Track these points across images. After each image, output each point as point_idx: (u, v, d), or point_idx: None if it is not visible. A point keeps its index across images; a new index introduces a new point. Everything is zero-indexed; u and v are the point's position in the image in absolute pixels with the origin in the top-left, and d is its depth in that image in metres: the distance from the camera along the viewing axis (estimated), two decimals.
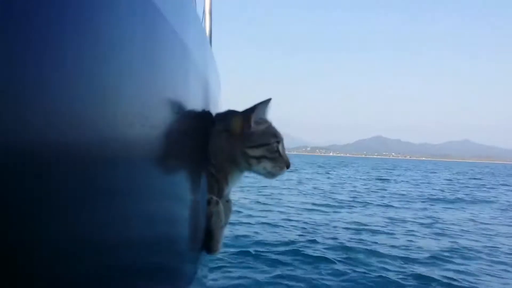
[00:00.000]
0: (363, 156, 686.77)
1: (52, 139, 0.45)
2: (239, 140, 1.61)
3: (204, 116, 1.48)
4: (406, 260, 6.58)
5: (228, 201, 1.74)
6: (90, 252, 0.55)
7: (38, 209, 0.43)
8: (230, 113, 1.67)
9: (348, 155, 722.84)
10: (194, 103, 1.26)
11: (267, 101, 1.64)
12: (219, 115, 1.73)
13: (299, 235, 8.10)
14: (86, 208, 0.54)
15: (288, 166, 1.67)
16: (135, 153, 0.73)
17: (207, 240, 1.55)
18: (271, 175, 1.67)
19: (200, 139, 1.43)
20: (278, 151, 1.64)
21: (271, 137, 1.63)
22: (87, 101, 0.53)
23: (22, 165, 0.40)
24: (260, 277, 5.39)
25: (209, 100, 1.63)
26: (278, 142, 1.64)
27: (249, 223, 8.95)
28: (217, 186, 1.63)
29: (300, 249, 6.89)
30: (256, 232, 8.05)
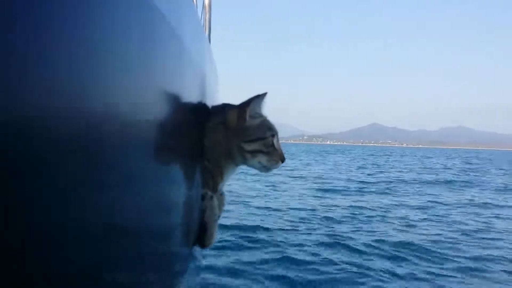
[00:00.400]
0: (360, 144, 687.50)
1: (45, 134, 0.44)
2: (235, 134, 1.61)
3: (199, 110, 1.46)
4: None
5: (221, 194, 1.74)
6: (81, 245, 0.55)
7: (34, 204, 0.43)
8: (226, 107, 1.66)
9: (345, 143, 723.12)
10: (190, 97, 1.24)
11: (263, 95, 1.64)
12: (215, 108, 1.71)
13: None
14: (80, 202, 0.54)
15: (283, 160, 1.67)
16: (128, 147, 0.72)
17: (200, 234, 1.55)
18: (266, 169, 1.67)
19: (195, 133, 1.42)
20: (273, 145, 1.64)
21: (267, 130, 1.63)
22: (79, 96, 0.52)
23: (17, 161, 0.40)
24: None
25: (205, 94, 1.61)
26: (273, 136, 1.64)
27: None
28: (212, 181, 1.63)
29: None
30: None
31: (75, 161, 0.51)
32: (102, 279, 0.63)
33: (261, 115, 1.66)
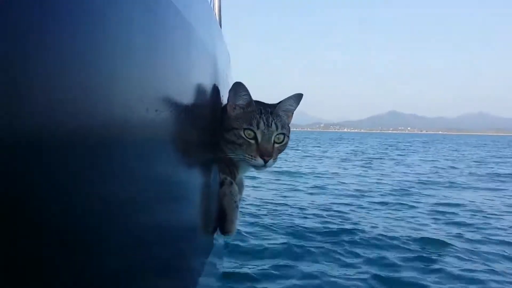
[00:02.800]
0: (378, 131, 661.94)
1: (54, 125, 0.43)
2: (222, 125, 1.58)
3: (212, 98, 1.43)
4: None
5: (240, 177, 1.70)
6: (106, 235, 0.56)
7: (49, 197, 0.42)
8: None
9: (362, 130, 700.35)
10: (201, 83, 1.21)
11: (238, 86, 1.56)
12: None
13: None
14: (97, 192, 0.53)
15: (262, 156, 1.54)
16: (139, 136, 0.70)
17: (221, 221, 1.52)
18: (248, 164, 1.58)
19: (210, 121, 1.40)
20: (247, 138, 1.53)
21: (244, 122, 1.54)
22: (87, 85, 0.50)
23: (27, 157, 0.39)
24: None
25: (217, 79, 1.57)
26: (250, 130, 1.54)
27: None
28: (228, 171, 1.60)
29: None
30: None
31: (91, 149, 0.50)
32: (125, 267, 0.64)
33: (252, 107, 1.57)
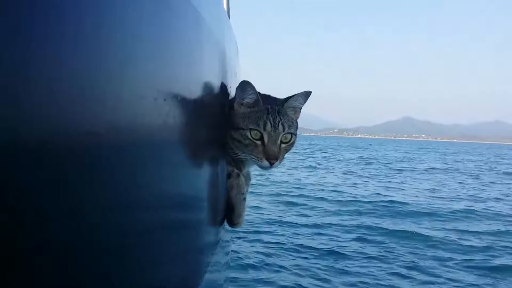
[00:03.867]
0: (392, 137, 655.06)
1: (55, 116, 0.43)
2: (230, 121, 1.55)
3: (220, 87, 1.40)
4: None
5: (247, 170, 1.69)
6: (113, 233, 0.56)
7: (55, 194, 0.42)
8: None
9: (376, 136, 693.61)
10: (210, 73, 1.21)
11: (246, 84, 1.50)
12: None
13: None
14: (105, 188, 0.53)
15: (268, 159, 1.51)
16: (148, 127, 0.70)
17: (228, 213, 1.51)
18: (252, 162, 1.56)
19: (218, 111, 1.39)
20: (253, 139, 1.51)
21: (251, 123, 1.50)
22: (95, 74, 0.50)
23: (33, 152, 0.39)
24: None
25: (226, 69, 1.55)
26: (256, 130, 1.50)
27: None
28: (235, 164, 1.58)
29: None
30: None
31: (98, 145, 0.50)
32: (132, 260, 0.63)
33: (259, 106, 1.52)
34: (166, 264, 0.79)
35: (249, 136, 1.49)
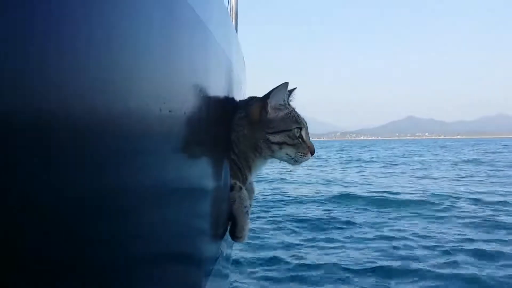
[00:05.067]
0: (396, 138, 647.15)
1: (65, 123, 0.43)
2: (260, 127, 1.57)
3: (226, 100, 1.43)
4: None
5: (250, 183, 1.69)
6: (113, 238, 0.55)
7: (56, 199, 0.42)
8: (250, 100, 1.65)
9: (379, 138, 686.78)
10: (216, 86, 1.21)
11: (283, 85, 1.57)
12: (242, 102, 1.69)
13: None
14: (105, 194, 0.52)
15: (312, 153, 1.62)
16: (152, 137, 0.69)
17: (231, 227, 1.51)
18: (294, 161, 1.61)
19: (222, 123, 1.40)
20: (300, 137, 1.59)
21: (292, 123, 1.58)
22: (102, 83, 0.50)
23: (35, 155, 0.39)
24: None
25: (232, 83, 1.56)
26: (300, 128, 1.59)
27: None
28: (240, 174, 1.58)
29: None
30: None
31: (94, 151, 0.49)
32: (133, 271, 0.62)
33: (286, 107, 1.61)
34: (165, 276, 0.78)
35: (296, 135, 1.56)
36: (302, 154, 1.58)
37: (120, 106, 0.55)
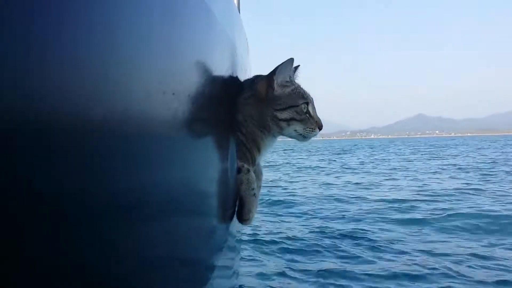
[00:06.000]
0: (406, 136, 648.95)
1: (65, 107, 0.42)
2: (267, 104, 1.56)
3: (230, 82, 1.42)
4: None
5: (258, 164, 1.68)
6: (121, 223, 0.55)
7: (64, 185, 0.42)
8: (256, 78, 1.63)
9: (389, 136, 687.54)
10: (220, 68, 1.19)
11: (289, 61, 1.56)
12: (247, 82, 1.66)
13: None
14: (111, 178, 0.52)
15: (320, 128, 1.62)
16: (157, 120, 0.69)
17: (238, 209, 1.50)
18: (302, 137, 1.61)
19: (227, 105, 1.39)
20: (307, 112, 1.59)
21: (299, 98, 1.58)
22: (106, 68, 0.50)
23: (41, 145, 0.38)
24: None
25: (235, 64, 1.55)
26: (306, 103, 1.59)
27: None
28: (249, 154, 1.57)
29: None
30: None
31: (100, 136, 0.49)
32: (140, 255, 0.62)
33: (292, 83, 1.61)
34: (174, 259, 0.79)
35: (304, 110, 1.57)
36: (311, 129, 1.58)
37: (123, 90, 0.55)
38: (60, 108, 0.41)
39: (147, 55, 0.63)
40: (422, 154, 27.45)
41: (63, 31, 0.42)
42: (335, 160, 23.11)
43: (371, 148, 46.66)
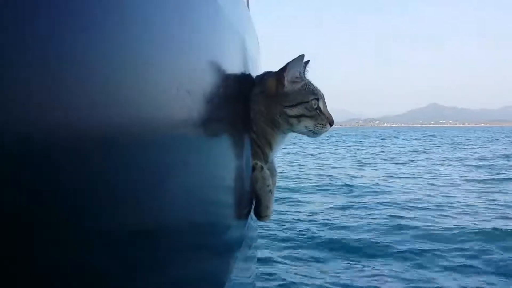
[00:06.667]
0: (419, 125, 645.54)
1: (79, 107, 0.42)
2: (276, 101, 1.55)
3: (242, 79, 1.41)
4: None
5: (271, 161, 1.67)
6: (137, 226, 0.54)
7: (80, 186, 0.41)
8: (265, 75, 1.62)
9: (403, 125, 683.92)
10: (231, 65, 1.19)
11: (300, 57, 1.56)
12: (256, 79, 1.66)
13: None
14: (128, 176, 0.52)
15: (331, 124, 1.60)
16: (172, 119, 0.68)
17: (256, 207, 1.52)
18: (313, 133, 1.60)
19: (241, 102, 1.38)
20: (318, 108, 1.57)
21: (309, 94, 1.57)
22: (117, 67, 0.49)
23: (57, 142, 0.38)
24: None
25: (247, 60, 1.54)
26: (317, 99, 1.57)
27: None
28: (261, 152, 1.57)
29: None
30: None
31: (113, 134, 0.48)
32: (156, 256, 0.61)
33: (303, 79, 1.59)
34: (192, 259, 0.78)
35: (314, 106, 1.55)
36: (321, 125, 1.57)
37: (137, 89, 0.54)
38: (74, 106, 0.41)
39: (159, 53, 0.63)
40: None
41: (79, 31, 0.41)
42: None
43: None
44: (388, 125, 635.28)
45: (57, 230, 0.37)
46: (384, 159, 19.71)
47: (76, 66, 0.41)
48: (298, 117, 1.56)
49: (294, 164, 16.90)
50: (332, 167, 16.29)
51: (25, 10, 0.34)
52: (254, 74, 1.69)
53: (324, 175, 13.43)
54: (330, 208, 8.58)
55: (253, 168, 1.49)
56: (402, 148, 28.05)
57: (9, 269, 0.32)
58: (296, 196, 9.81)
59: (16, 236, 0.32)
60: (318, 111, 1.58)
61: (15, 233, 0.32)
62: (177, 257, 0.69)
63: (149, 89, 0.58)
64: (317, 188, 10.87)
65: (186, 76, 0.74)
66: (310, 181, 12.13)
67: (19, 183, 0.33)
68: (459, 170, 15.07)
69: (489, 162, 17.38)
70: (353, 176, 13.01)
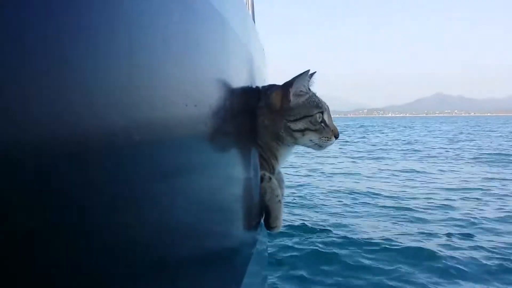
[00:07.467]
0: (424, 115, 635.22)
1: (90, 121, 0.42)
2: (280, 115, 1.53)
3: (249, 91, 1.40)
4: None
5: (278, 172, 1.67)
6: (144, 235, 0.54)
7: (86, 192, 0.41)
8: (269, 89, 1.59)
9: (407, 115, 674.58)
10: (237, 78, 1.19)
11: (306, 72, 1.55)
12: (263, 89, 1.64)
13: None
14: (134, 189, 0.52)
15: (336, 136, 1.58)
16: (181, 134, 0.69)
17: (265, 218, 1.50)
18: (318, 146, 1.58)
19: (248, 114, 1.38)
20: (322, 121, 1.56)
21: (313, 108, 1.55)
22: (125, 81, 0.50)
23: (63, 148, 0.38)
24: None
25: (253, 73, 1.53)
26: (321, 112, 1.55)
27: None
28: (267, 164, 1.56)
29: None
30: None
31: (121, 149, 0.49)
32: (166, 266, 0.61)
33: (307, 92, 1.57)
34: (201, 270, 0.76)
35: (318, 120, 1.52)
36: (326, 138, 1.55)
37: (147, 105, 0.55)
38: (82, 120, 0.41)
39: (166, 68, 0.63)
40: None
41: (84, 40, 0.41)
42: None
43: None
44: (393, 115, 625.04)
45: (58, 232, 0.37)
46: None
47: (89, 80, 0.42)
48: (303, 131, 1.52)
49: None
50: None
51: (25, 10, 0.34)
52: (260, 85, 1.67)
53: None
54: None
55: (261, 179, 1.47)
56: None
57: (9, 269, 0.32)
58: None
59: (16, 237, 0.33)
60: (323, 124, 1.55)
61: (15, 235, 0.33)
62: (185, 270, 0.69)
63: (158, 104, 0.59)
64: None
65: (194, 91, 0.75)
66: None
67: (19, 183, 0.33)
68: None
69: None
70: None
